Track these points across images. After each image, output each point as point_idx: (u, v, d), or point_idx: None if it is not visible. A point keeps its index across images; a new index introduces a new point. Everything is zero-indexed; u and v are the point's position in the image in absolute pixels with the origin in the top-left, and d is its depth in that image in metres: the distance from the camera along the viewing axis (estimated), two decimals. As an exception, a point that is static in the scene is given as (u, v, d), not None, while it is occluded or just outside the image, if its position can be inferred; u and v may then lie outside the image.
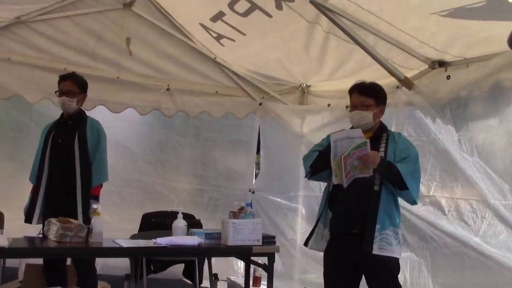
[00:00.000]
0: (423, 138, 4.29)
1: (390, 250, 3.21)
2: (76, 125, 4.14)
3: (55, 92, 4.16)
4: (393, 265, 3.29)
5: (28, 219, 4.05)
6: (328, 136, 3.42)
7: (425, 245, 4.23)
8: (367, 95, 3.34)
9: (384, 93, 3.44)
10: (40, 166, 4.10)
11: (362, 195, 3.25)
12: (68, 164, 4.03)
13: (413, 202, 3.38)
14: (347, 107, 3.41)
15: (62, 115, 4.22)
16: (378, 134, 3.36)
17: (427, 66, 4.19)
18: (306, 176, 3.55)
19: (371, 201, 3.23)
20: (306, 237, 3.52)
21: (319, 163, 3.38)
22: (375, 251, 3.17)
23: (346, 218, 3.30)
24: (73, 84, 4.13)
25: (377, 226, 3.19)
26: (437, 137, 3.91)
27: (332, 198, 3.40)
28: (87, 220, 3.65)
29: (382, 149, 3.29)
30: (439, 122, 4.08)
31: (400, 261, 3.35)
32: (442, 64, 4.11)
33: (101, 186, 4.17)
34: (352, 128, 3.38)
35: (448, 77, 3.94)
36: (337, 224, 3.35)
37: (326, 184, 3.55)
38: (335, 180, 3.21)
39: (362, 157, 3.13)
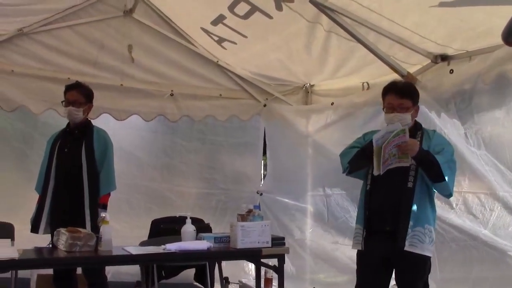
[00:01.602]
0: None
1: (421, 247, 3.20)
2: (82, 134, 4.15)
3: (62, 102, 4.17)
4: (424, 263, 3.27)
5: (35, 229, 4.06)
6: (364, 135, 3.49)
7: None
8: (405, 97, 3.32)
9: (418, 92, 3.45)
10: (46, 176, 4.10)
11: (395, 193, 3.26)
12: (75, 173, 4.04)
13: (449, 195, 3.35)
14: (383, 108, 3.40)
15: (68, 124, 4.22)
16: (413, 133, 3.34)
17: (429, 61, 4.18)
18: (344, 172, 3.53)
19: (404, 198, 3.23)
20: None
21: (358, 159, 3.37)
22: (406, 247, 3.18)
23: (379, 215, 3.31)
24: (79, 94, 4.14)
25: (410, 223, 3.19)
26: (443, 132, 3.90)
27: (369, 197, 3.39)
28: (95, 229, 3.65)
29: None
30: (444, 117, 4.07)
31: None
32: (444, 58, 4.09)
33: (109, 195, 4.17)
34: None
35: (451, 71, 3.92)
36: (371, 221, 3.35)
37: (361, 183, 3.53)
38: (375, 172, 3.21)
39: (400, 145, 3.15)
